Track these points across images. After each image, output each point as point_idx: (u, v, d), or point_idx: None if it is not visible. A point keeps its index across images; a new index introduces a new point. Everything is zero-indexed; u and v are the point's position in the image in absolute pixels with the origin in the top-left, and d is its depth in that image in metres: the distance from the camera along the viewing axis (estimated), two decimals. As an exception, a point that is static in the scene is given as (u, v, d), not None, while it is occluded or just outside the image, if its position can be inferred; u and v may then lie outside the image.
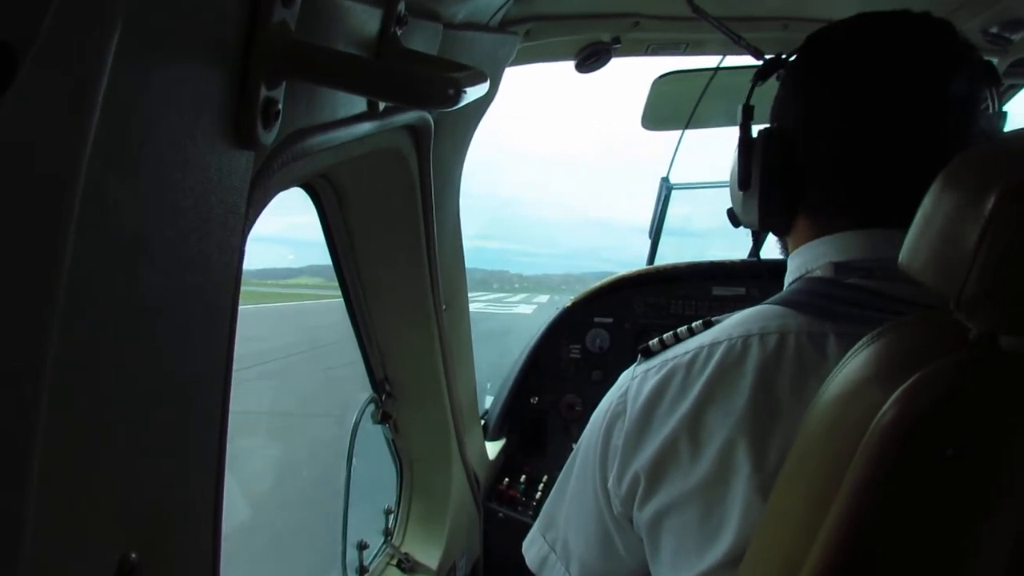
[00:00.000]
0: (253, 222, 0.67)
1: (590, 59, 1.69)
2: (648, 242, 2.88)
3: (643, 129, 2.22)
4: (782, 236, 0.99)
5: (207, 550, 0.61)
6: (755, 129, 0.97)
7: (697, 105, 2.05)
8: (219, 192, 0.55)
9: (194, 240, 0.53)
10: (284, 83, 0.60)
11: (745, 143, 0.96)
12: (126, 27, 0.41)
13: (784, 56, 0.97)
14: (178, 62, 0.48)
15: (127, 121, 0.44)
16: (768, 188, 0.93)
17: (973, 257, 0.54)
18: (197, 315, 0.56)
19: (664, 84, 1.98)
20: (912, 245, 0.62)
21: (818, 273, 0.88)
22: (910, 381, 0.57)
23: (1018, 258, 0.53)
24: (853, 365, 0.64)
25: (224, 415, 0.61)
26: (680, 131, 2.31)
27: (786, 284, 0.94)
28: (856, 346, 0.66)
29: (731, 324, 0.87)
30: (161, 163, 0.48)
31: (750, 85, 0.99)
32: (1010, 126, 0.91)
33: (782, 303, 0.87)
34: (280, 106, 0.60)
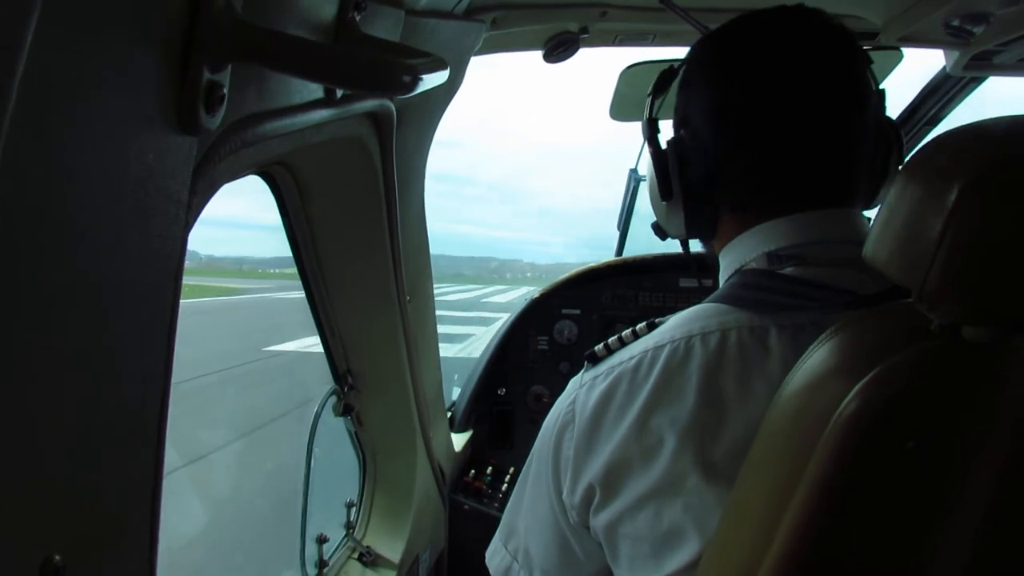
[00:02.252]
0: (199, 211, 0.64)
1: (558, 49, 1.67)
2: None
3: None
4: (708, 239, 1.00)
5: (143, 555, 0.59)
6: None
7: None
8: (158, 178, 0.53)
9: (130, 229, 0.51)
10: (230, 67, 0.58)
11: (658, 156, 0.96)
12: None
13: (677, 66, 0.98)
14: (110, 40, 0.46)
15: (50, 100, 0.41)
16: (690, 198, 0.94)
17: (936, 249, 0.54)
18: (134, 308, 0.53)
19: (632, 75, 1.96)
20: (876, 237, 0.61)
21: (753, 265, 0.88)
22: (872, 373, 0.57)
23: (980, 250, 0.53)
24: (817, 357, 0.64)
25: (163, 416, 0.58)
26: (649, 122, 2.30)
27: (722, 280, 0.94)
28: (820, 338, 0.66)
29: (673, 325, 0.87)
30: (91, 146, 0.45)
31: (649, 99, 1.01)
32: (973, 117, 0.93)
33: (721, 300, 0.87)
34: (225, 90, 0.57)
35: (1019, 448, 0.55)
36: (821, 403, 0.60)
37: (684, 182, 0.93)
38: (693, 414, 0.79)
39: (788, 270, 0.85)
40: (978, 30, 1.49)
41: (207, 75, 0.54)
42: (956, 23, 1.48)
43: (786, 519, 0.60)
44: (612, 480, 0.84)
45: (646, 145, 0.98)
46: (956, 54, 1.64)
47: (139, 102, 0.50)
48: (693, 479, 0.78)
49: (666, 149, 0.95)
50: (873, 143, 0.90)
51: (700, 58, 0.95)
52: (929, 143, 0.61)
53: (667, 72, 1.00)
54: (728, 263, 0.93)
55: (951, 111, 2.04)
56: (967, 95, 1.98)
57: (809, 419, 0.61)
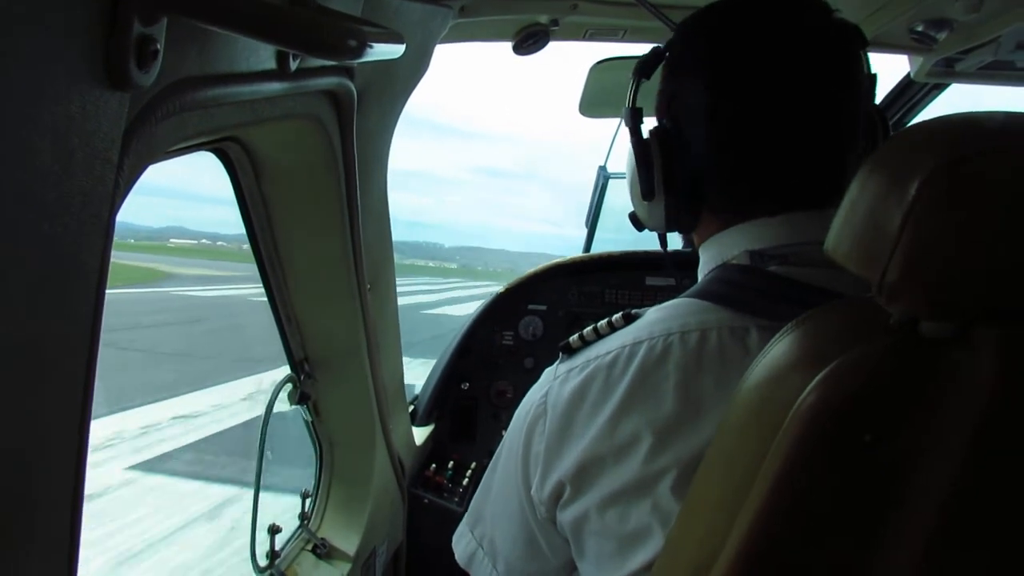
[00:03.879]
0: (134, 175, 0.62)
1: (528, 41, 1.66)
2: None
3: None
4: (687, 232, 0.97)
5: (62, 542, 0.56)
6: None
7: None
8: (82, 134, 0.50)
9: (48, 186, 0.48)
10: (165, 21, 0.56)
11: (640, 147, 0.92)
12: None
13: (663, 49, 0.94)
14: None
15: None
16: (671, 191, 0.91)
17: (896, 241, 0.53)
18: (51, 273, 0.51)
19: (601, 71, 1.95)
20: (837, 230, 0.61)
21: (735, 261, 0.86)
22: (830, 367, 0.56)
23: (940, 243, 0.52)
24: (776, 351, 0.63)
25: (87, 397, 0.56)
26: (618, 119, 2.30)
27: (701, 274, 0.92)
28: (781, 332, 0.65)
29: (651, 321, 0.85)
30: (6, 93, 0.43)
31: (633, 84, 0.95)
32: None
33: (702, 296, 0.85)
34: (160, 46, 0.55)
35: (975, 444, 0.55)
36: (781, 396, 0.59)
37: (667, 178, 0.90)
38: (670, 414, 0.78)
39: (772, 268, 0.83)
40: (941, 35, 1.50)
41: (138, 27, 0.52)
42: (920, 28, 1.49)
43: (742, 513, 0.60)
44: (582, 477, 0.82)
45: (629, 136, 0.94)
46: (920, 60, 1.66)
47: (61, 50, 0.47)
48: (668, 479, 0.76)
49: (648, 139, 0.92)
50: (864, 138, 0.88)
51: (687, 43, 0.91)
52: (894, 136, 0.61)
53: (654, 55, 0.95)
54: (709, 257, 0.91)
55: (915, 117, 2.06)
56: (931, 101, 2.01)
57: (768, 413, 0.60)
